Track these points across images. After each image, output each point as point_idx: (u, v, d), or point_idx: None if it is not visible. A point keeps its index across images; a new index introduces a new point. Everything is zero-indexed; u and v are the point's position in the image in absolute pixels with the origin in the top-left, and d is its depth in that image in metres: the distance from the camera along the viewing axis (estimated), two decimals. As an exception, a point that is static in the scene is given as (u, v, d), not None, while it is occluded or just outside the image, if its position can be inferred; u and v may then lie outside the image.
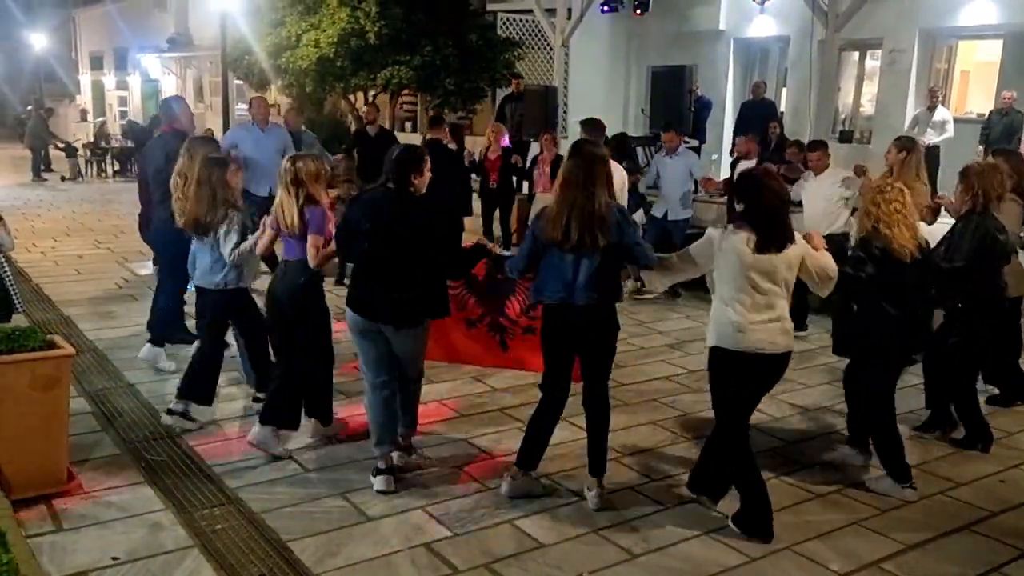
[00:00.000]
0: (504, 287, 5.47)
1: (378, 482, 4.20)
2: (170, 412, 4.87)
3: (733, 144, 12.44)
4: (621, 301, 4.04)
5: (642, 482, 4.42)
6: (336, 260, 4.67)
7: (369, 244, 4.07)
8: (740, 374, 3.80)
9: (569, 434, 5.02)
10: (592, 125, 6.53)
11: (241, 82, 17.82)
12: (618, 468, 4.59)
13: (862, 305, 4.30)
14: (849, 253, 4.49)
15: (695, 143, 11.92)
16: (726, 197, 8.31)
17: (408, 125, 18.49)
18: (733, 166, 8.19)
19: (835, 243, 5.33)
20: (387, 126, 16.00)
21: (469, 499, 4.15)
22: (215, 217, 4.76)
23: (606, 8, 12.84)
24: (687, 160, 8.31)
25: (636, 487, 4.35)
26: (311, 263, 4.40)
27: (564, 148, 12.44)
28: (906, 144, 6.05)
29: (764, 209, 3.72)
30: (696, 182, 8.45)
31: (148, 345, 5.93)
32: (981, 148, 10.18)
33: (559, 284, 3.90)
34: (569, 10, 12.63)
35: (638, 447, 4.86)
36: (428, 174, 4.15)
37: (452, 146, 9.02)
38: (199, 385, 4.92)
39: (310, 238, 4.35)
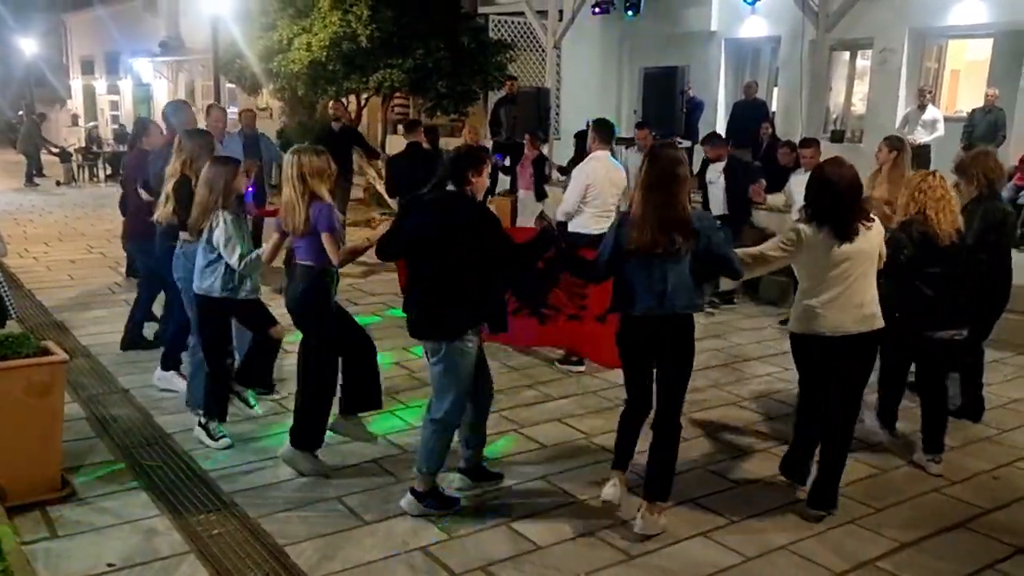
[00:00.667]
0: (545, 275, 4.91)
1: (449, 478, 4.15)
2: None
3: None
4: (701, 311, 3.95)
5: (638, 483, 4.42)
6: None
7: (408, 244, 3.93)
8: (820, 357, 4.01)
9: (565, 434, 5.03)
10: (602, 125, 6.62)
11: (233, 86, 17.78)
12: (614, 469, 4.60)
13: (894, 285, 4.37)
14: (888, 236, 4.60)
15: (687, 144, 11.94)
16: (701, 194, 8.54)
17: (400, 128, 18.46)
18: (702, 170, 8.36)
19: None
20: (380, 129, 16.00)
21: (465, 502, 4.15)
22: (211, 218, 4.53)
23: (597, 10, 12.85)
24: None
25: (632, 488, 4.35)
26: (334, 261, 4.23)
27: (557, 149, 12.51)
28: (895, 143, 6.24)
29: (832, 201, 3.87)
30: None
31: (158, 369, 5.67)
32: (963, 147, 10.24)
33: (645, 293, 3.77)
34: (560, 12, 12.64)
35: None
36: (487, 178, 3.98)
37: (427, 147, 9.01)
38: (216, 405, 4.77)
39: (325, 237, 4.15)
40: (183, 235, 4.89)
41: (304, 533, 3.83)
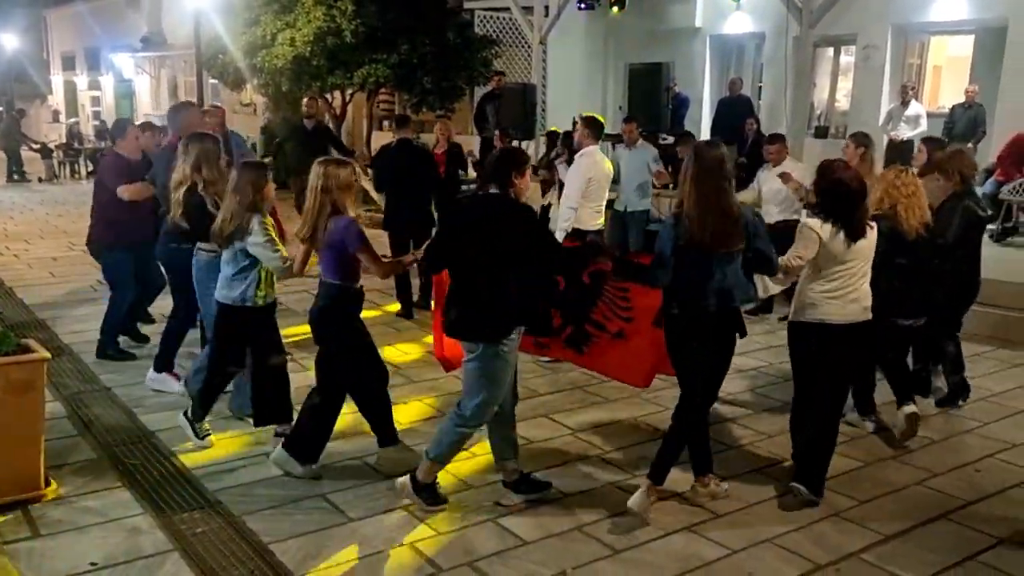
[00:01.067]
0: (590, 290, 4.71)
1: (502, 497, 4.12)
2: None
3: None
4: (756, 303, 4.06)
5: (624, 478, 4.44)
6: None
7: (452, 247, 3.91)
8: (817, 346, 4.13)
9: (550, 432, 5.04)
10: (592, 121, 6.67)
11: (216, 81, 17.67)
12: (600, 464, 4.61)
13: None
14: None
15: (673, 140, 11.97)
16: (674, 187, 8.60)
17: (386, 124, 18.40)
18: (676, 168, 8.42)
19: (790, 227, 5.59)
20: (365, 124, 15.93)
21: (452, 497, 4.14)
22: (240, 224, 4.34)
23: (583, 5, 12.86)
24: (648, 152, 8.48)
25: (618, 483, 4.37)
26: (379, 276, 4.27)
27: (543, 146, 12.44)
28: (863, 140, 6.44)
29: (846, 202, 4.04)
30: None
31: (151, 371, 5.57)
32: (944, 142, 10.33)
33: (700, 290, 3.82)
34: (546, 7, 12.63)
35: (620, 444, 4.87)
36: (529, 180, 3.95)
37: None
38: (202, 408, 4.68)
39: (362, 256, 4.10)
40: (201, 244, 4.86)
41: (289, 531, 3.81)
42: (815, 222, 4.10)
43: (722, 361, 4.02)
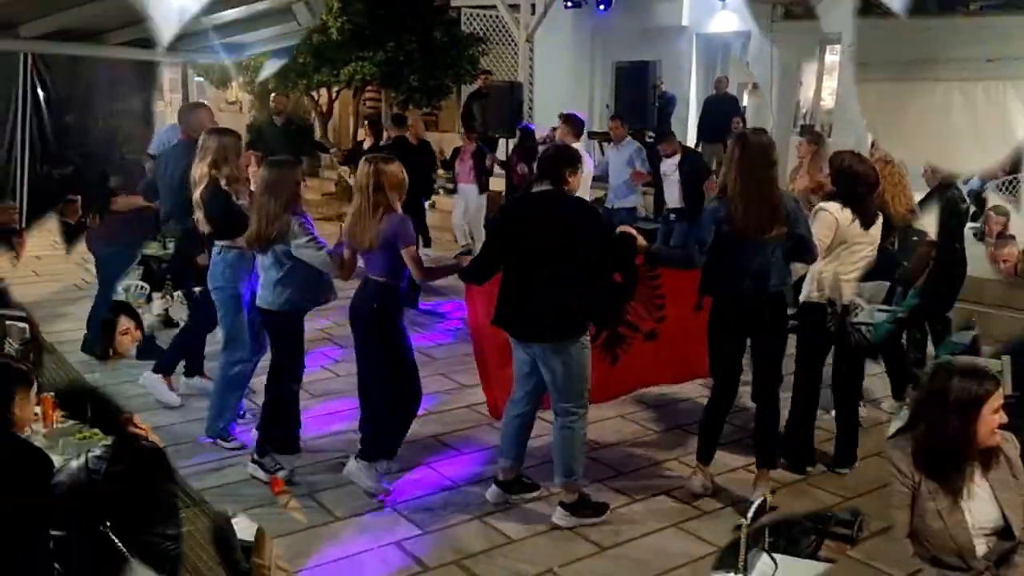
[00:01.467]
0: (624, 289, 4.52)
1: (489, 492, 4.05)
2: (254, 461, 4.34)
3: (697, 140, 12.65)
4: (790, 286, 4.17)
5: (611, 476, 4.44)
6: None
7: (511, 249, 3.85)
8: (837, 325, 4.27)
9: (538, 429, 5.02)
10: (573, 119, 6.69)
11: (202, 79, 17.56)
12: (588, 463, 4.60)
13: None
14: None
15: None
16: (653, 188, 8.73)
17: (367, 123, 18.37)
18: (656, 165, 8.50)
19: None
20: (352, 123, 15.88)
21: (438, 496, 4.14)
22: (280, 227, 4.10)
23: (569, 4, 12.85)
24: (631, 147, 8.53)
25: (605, 481, 4.37)
26: (417, 276, 4.07)
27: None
28: (815, 139, 6.63)
29: (862, 190, 4.19)
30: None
31: (147, 372, 5.37)
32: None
33: (744, 276, 3.85)
34: (533, 5, 12.62)
35: (607, 441, 4.88)
36: (580, 176, 3.92)
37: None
38: (277, 432, 4.35)
39: (405, 251, 3.93)
40: (220, 243, 4.60)
41: (276, 530, 3.78)
42: (834, 205, 4.18)
43: (778, 343, 4.03)
